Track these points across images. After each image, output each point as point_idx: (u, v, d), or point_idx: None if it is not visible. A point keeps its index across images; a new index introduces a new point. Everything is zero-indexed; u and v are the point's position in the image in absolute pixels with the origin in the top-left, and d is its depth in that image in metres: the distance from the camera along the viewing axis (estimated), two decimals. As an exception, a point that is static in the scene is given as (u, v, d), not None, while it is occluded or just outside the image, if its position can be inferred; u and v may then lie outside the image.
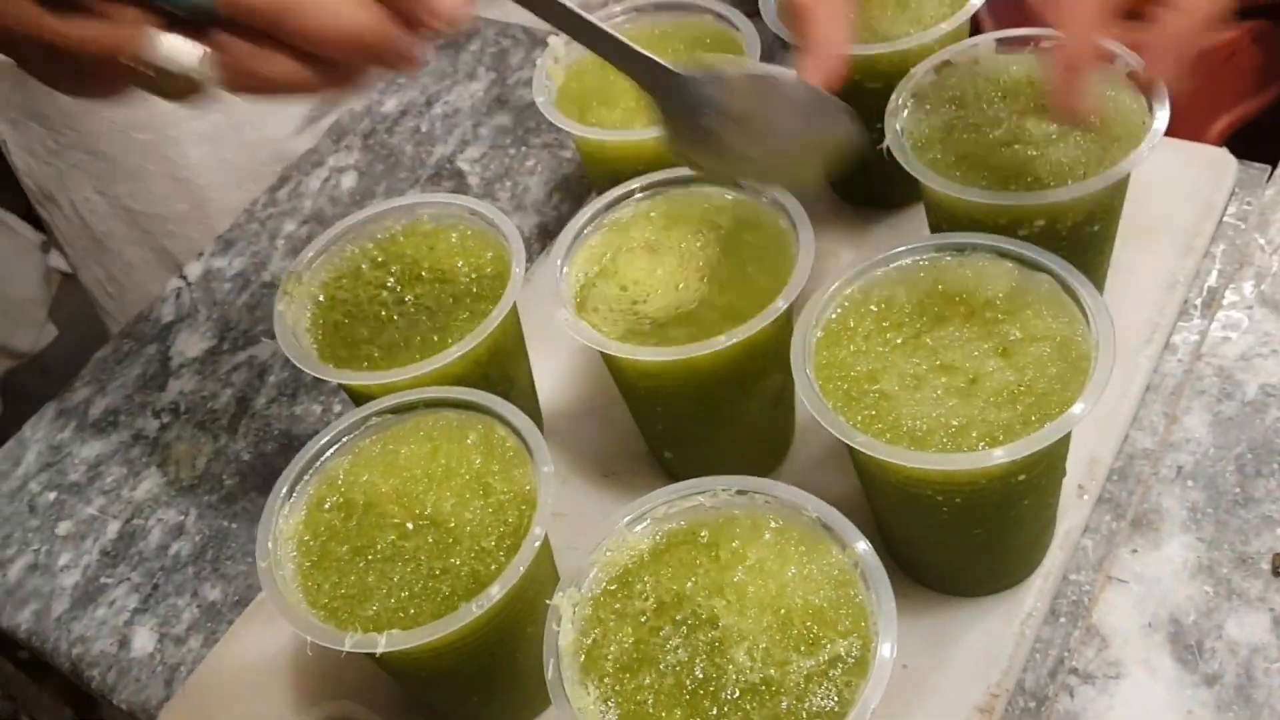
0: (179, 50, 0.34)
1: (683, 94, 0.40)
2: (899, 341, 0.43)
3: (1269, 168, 0.60)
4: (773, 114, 0.41)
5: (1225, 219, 0.58)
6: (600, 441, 0.55)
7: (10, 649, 0.60)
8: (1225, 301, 0.55)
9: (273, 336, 0.66)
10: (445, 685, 0.43)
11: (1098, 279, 0.53)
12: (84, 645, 0.56)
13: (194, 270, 0.72)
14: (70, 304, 2.34)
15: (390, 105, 0.78)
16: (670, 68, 0.40)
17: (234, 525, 0.59)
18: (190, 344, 0.68)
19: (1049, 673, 0.46)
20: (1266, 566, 0.47)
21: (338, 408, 0.62)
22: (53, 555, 0.60)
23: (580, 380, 0.57)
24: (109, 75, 0.36)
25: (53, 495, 0.62)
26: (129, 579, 0.58)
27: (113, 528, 0.60)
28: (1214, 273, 0.57)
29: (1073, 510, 0.49)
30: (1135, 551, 0.48)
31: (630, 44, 0.40)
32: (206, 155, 0.76)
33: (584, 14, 0.38)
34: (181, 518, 0.60)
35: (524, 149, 0.73)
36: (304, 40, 0.35)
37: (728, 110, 0.41)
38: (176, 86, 0.35)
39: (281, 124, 0.77)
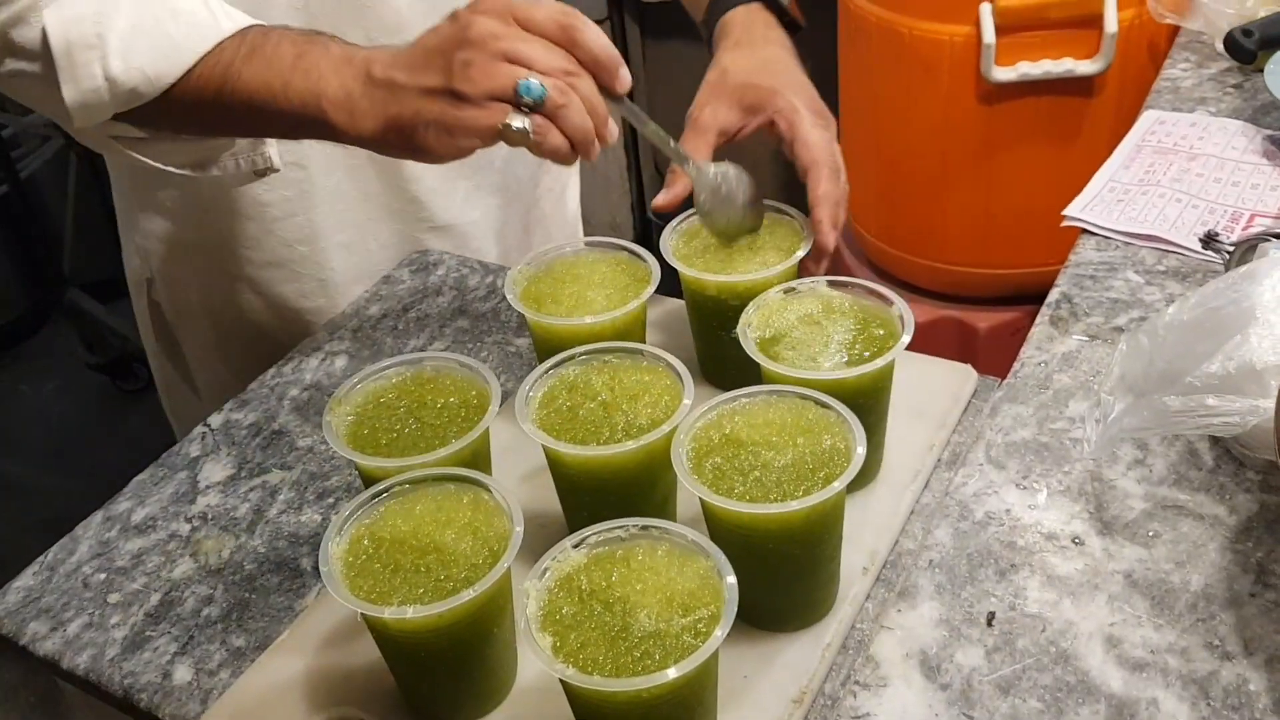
0: (521, 121, 0.72)
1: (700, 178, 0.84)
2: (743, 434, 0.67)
3: (999, 379, 0.88)
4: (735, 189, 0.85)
5: (967, 410, 0.86)
6: (539, 510, 0.77)
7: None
8: (965, 461, 0.81)
9: (283, 468, 0.88)
10: (439, 666, 0.63)
11: (878, 439, 0.79)
12: (133, 678, 0.73)
13: (216, 420, 0.93)
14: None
15: (374, 310, 1.03)
16: (688, 158, 0.85)
17: (253, 596, 0.78)
18: (214, 472, 0.88)
19: (840, 682, 0.68)
20: (983, 620, 0.70)
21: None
22: (105, 616, 0.78)
23: (526, 476, 0.80)
24: (474, 137, 0.73)
25: (103, 575, 0.81)
26: (169, 633, 0.76)
27: (154, 598, 0.78)
28: (958, 442, 0.83)
29: (859, 582, 0.73)
30: (899, 611, 0.71)
31: (677, 148, 0.84)
32: (346, 261, 1.08)
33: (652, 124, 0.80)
34: (211, 591, 0.79)
35: (479, 345, 0.98)
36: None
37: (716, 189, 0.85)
38: (511, 139, 0.72)
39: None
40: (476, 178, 1.10)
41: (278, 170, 0.87)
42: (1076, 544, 0.74)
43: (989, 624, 0.70)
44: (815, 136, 0.86)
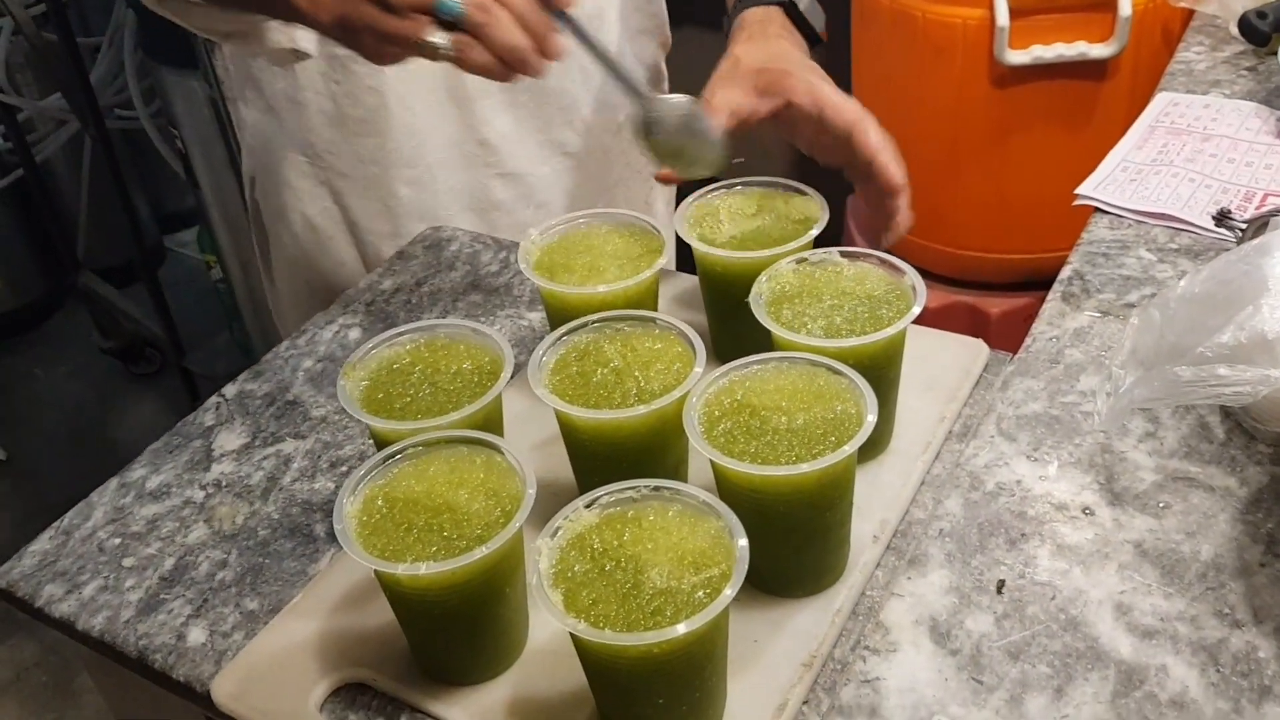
0: (439, 38, 0.72)
1: (647, 107, 0.83)
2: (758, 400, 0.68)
3: (1011, 354, 0.89)
4: (692, 126, 0.84)
5: (979, 384, 0.86)
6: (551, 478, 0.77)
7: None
8: (977, 433, 0.81)
9: (297, 438, 0.88)
10: (451, 625, 0.63)
11: (888, 409, 0.79)
12: (148, 639, 0.74)
13: (230, 390, 0.93)
14: (2, 488, 2.47)
15: (387, 284, 1.04)
16: (640, 90, 0.83)
17: (267, 561, 0.78)
18: (228, 441, 0.89)
19: (850, 647, 0.68)
20: (993, 588, 0.71)
21: (347, 485, 0.83)
22: (119, 580, 0.78)
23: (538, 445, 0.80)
24: (402, 48, 0.74)
25: (118, 540, 0.81)
26: (184, 596, 0.76)
27: (169, 562, 0.79)
28: (969, 414, 0.84)
29: (869, 550, 0.73)
30: (909, 578, 0.72)
31: (624, 71, 0.83)
32: (412, 195, 1.10)
33: (600, 43, 0.80)
34: (225, 556, 0.79)
35: (491, 318, 0.98)
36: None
37: (668, 120, 0.84)
38: (432, 54, 0.73)
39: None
40: (550, 131, 1.12)
41: (310, 55, 0.92)
42: (1087, 514, 0.74)
43: (999, 591, 0.70)
44: (846, 101, 0.87)
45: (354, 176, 1.11)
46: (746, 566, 0.57)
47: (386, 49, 0.76)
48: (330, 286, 1.05)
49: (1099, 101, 1.43)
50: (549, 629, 0.69)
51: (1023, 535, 0.73)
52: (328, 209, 1.14)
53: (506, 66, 0.74)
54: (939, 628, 0.68)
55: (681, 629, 0.54)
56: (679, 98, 0.85)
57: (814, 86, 0.87)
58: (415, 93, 1.03)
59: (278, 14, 0.82)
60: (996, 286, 1.61)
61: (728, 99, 0.88)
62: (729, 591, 0.56)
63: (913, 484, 0.78)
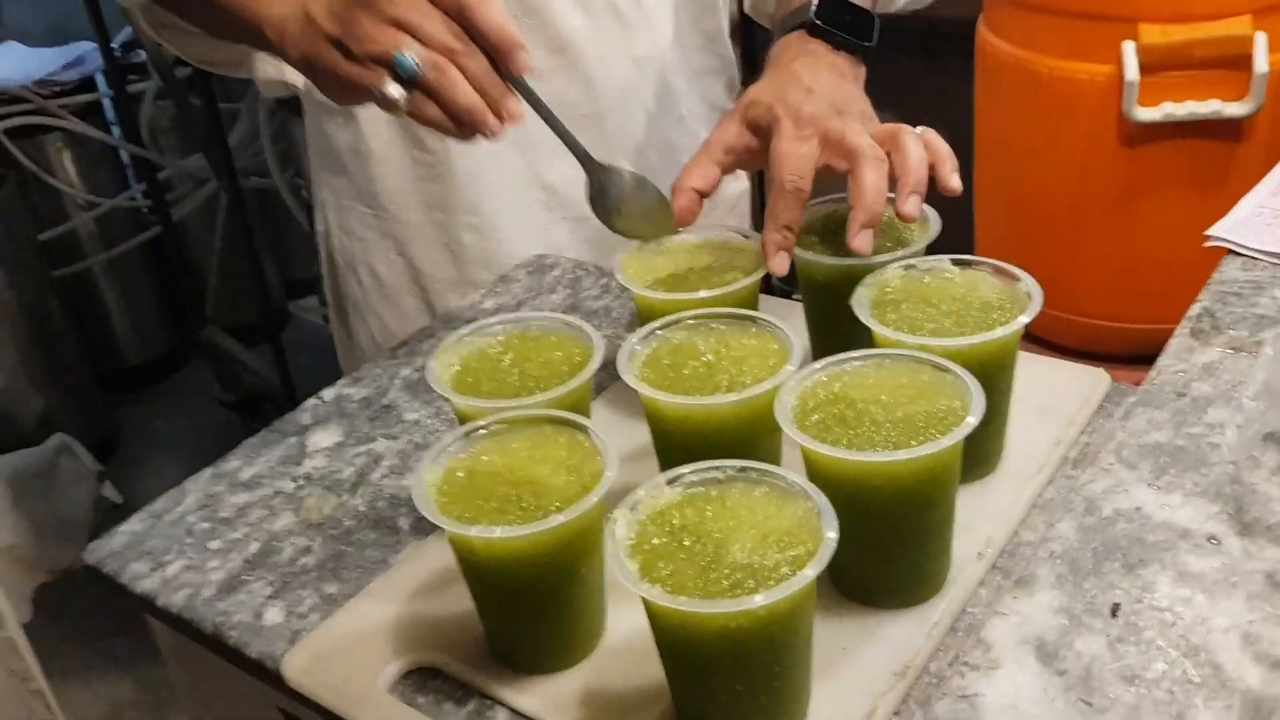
0: (395, 91, 0.72)
1: (601, 177, 0.82)
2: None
3: (1134, 386, 0.84)
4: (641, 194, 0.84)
5: (1099, 413, 0.81)
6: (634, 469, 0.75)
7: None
8: (1095, 460, 0.76)
9: (389, 438, 0.88)
10: (523, 600, 0.61)
11: (998, 424, 0.75)
12: (225, 617, 0.73)
13: (329, 394, 0.94)
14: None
15: (489, 304, 1.04)
16: (592, 159, 0.82)
17: (349, 549, 0.77)
18: (322, 438, 0.89)
19: (948, 662, 0.64)
20: (1106, 611, 0.65)
21: (434, 483, 0.82)
22: (204, 560, 0.78)
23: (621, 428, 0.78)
24: (359, 95, 0.75)
25: (207, 525, 0.81)
26: (265, 578, 0.76)
27: (254, 546, 0.79)
28: (1087, 442, 0.79)
29: (972, 567, 0.69)
30: (1015, 598, 0.67)
31: (574, 141, 0.81)
32: (475, 242, 1.11)
33: (549, 111, 0.79)
34: (309, 543, 0.78)
35: (590, 334, 0.97)
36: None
37: (621, 189, 0.83)
38: (387, 106, 0.73)
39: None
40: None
41: (299, 89, 0.97)
42: (1213, 543, 0.69)
43: (1113, 615, 0.65)
44: (783, 149, 0.80)
45: (419, 224, 1.12)
46: (834, 546, 0.54)
47: (344, 94, 0.77)
48: (395, 337, 1.06)
49: (1234, 162, 1.37)
50: (628, 624, 0.66)
51: (1141, 561, 0.68)
52: (392, 260, 1.15)
53: (460, 125, 0.74)
54: (1046, 648, 0.63)
55: (760, 599, 0.51)
56: (624, 169, 0.84)
57: (774, 123, 0.81)
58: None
59: (259, 46, 0.85)
60: (1124, 359, 1.54)
61: (722, 134, 0.86)
62: (810, 571, 0.53)
63: (1022, 505, 0.73)
